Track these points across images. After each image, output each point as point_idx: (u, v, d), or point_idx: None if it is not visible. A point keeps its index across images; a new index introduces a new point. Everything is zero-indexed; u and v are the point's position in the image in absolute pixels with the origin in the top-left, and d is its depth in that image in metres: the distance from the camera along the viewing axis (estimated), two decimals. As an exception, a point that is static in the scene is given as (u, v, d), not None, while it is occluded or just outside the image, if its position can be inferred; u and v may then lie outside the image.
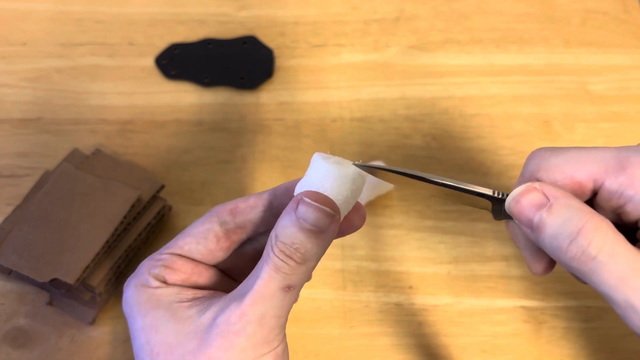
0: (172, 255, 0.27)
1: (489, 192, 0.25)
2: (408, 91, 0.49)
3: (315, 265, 0.25)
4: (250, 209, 0.27)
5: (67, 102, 0.48)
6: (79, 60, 0.51)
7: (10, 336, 0.39)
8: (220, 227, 0.27)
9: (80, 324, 0.39)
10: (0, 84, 0.49)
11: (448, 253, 0.42)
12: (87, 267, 0.37)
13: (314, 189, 0.24)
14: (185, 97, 0.49)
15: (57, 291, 0.39)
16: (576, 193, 0.24)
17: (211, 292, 0.27)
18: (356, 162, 0.26)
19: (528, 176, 0.25)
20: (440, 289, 0.41)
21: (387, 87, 0.49)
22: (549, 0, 0.54)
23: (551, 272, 0.26)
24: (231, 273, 0.30)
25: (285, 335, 0.25)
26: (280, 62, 0.50)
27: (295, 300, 0.25)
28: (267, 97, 0.49)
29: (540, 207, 0.22)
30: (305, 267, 0.24)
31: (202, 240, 0.27)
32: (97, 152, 0.43)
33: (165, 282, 0.27)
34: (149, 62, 0.50)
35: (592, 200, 0.25)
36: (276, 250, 0.24)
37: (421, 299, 0.40)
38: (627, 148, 0.23)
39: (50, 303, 0.40)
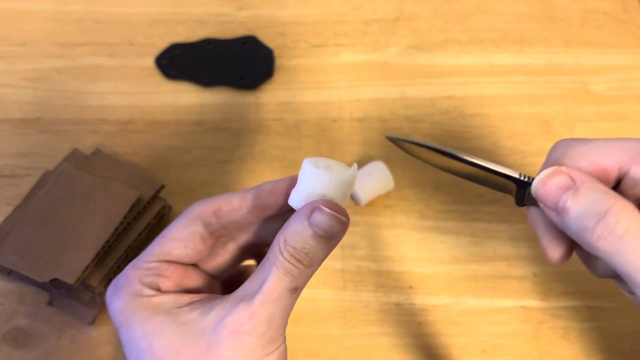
0: (163, 263, 0.27)
1: (515, 174, 0.25)
2: (408, 91, 0.49)
3: (318, 268, 0.26)
4: (234, 211, 0.27)
5: (67, 102, 0.48)
6: (79, 60, 0.51)
7: (10, 336, 0.39)
8: (205, 229, 0.27)
9: (81, 324, 0.39)
10: (0, 84, 0.49)
11: (448, 253, 0.42)
12: (87, 267, 0.37)
13: (309, 195, 0.25)
14: (185, 97, 0.49)
15: (57, 291, 0.39)
16: (600, 180, 0.24)
17: (206, 295, 0.27)
18: (391, 136, 0.27)
19: (552, 163, 0.25)
20: (440, 289, 0.41)
21: (387, 87, 0.49)
22: (549, 0, 0.54)
23: (567, 260, 0.26)
24: (209, 269, 0.30)
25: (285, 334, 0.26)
26: (280, 62, 0.50)
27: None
28: (267, 97, 0.49)
29: (566, 189, 0.23)
30: (311, 270, 0.25)
31: (189, 244, 0.27)
32: (97, 152, 0.43)
33: (159, 289, 0.27)
34: (149, 62, 0.50)
35: (615, 188, 0.25)
36: (286, 254, 0.24)
37: (421, 299, 0.40)
38: None
39: (50, 303, 0.40)
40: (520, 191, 0.26)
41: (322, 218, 0.24)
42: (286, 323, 0.26)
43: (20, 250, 0.37)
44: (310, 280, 0.41)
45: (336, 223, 0.25)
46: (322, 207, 0.25)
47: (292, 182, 0.27)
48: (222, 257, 0.30)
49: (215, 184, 0.45)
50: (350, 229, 0.42)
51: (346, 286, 0.41)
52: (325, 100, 0.48)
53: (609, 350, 0.39)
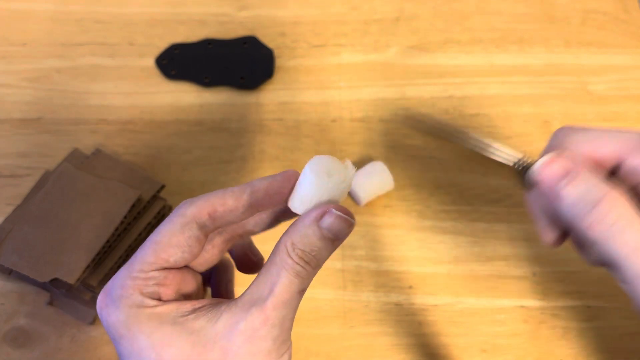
0: (162, 271, 0.27)
1: (517, 157, 0.27)
2: (408, 91, 0.49)
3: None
4: (229, 212, 0.27)
5: (68, 102, 0.48)
6: (79, 61, 0.51)
7: (10, 336, 0.39)
8: (200, 231, 0.27)
9: (81, 323, 0.39)
10: (1, 84, 0.49)
11: (448, 253, 0.42)
12: (88, 267, 0.37)
13: (312, 200, 0.26)
14: (186, 97, 0.49)
15: (57, 291, 0.39)
16: (597, 167, 0.25)
17: (207, 300, 0.27)
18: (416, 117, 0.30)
19: (553, 149, 0.26)
20: (440, 288, 0.41)
21: (387, 87, 0.49)
22: (549, 1, 0.54)
23: (560, 245, 0.27)
24: (197, 266, 0.30)
25: None
26: (280, 62, 0.50)
27: None
28: (267, 97, 0.49)
29: (564, 176, 0.24)
30: (317, 271, 0.26)
31: (186, 248, 0.27)
32: (98, 152, 0.43)
33: (160, 299, 0.26)
34: (149, 62, 0.51)
35: (611, 177, 0.26)
36: (295, 257, 0.25)
37: (421, 299, 0.40)
38: None
39: (50, 303, 0.40)
40: (522, 175, 0.27)
41: (333, 221, 0.25)
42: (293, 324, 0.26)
43: (21, 250, 0.37)
44: (310, 280, 0.41)
45: (345, 225, 0.26)
46: (335, 211, 0.25)
47: (287, 180, 0.27)
48: (210, 252, 0.30)
49: (215, 184, 0.45)
50: (350, 229, 0.43)
51: (346, 286, 0.41)
52: (325, 100, 0.49)
53: (608, 350, 0.39)
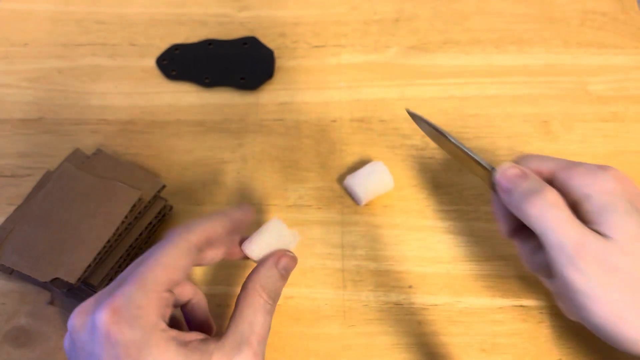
0: (169, 293, 0.29)
1: (486, 165, 0.35)
2: (407, 92, 0.49)
3: None
4: (218, 236, 0.32)
5: (68, 102, 0.49)
6: (80, 61, 0.51)
7: (11, 336, 0.39)
8: (197, 254, 0.31)
9: (82, 323, 0.39)
10: (2, 84, 0.49)
11: (447, 253, 0.42)
12: (89, 266, 0.37)
13: (266, 247, 0.34)
14: (186, 97, 0.49)
15: (58, 291, 0.39)
16: (540, 176, 0.34)
17: (197, 336, 0.29)
18: (409, 111, 0.38)
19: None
20: (439, 288, 0.41)
21: (386, 88, 0.49)
22: (548, 1, 0.54)
23: (512, 238, 0.35)
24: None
25: None
26: (280, 62, 0.51)
27: None
28: (268, 97, 0.49)
29: (517, 176, 0.33)
30: (276, 305, 0.32)
31: (187, 270, 0.30)
32: (98, 152, 0.43)
33: (165, 321, 0.28)
34: (150, 62, 0.51)
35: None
36: (266, 297, 0.31)
37: (420, 299, 0.40)
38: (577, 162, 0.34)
39: (51, 303, 0.40)
40: (491, 178, 0.35)
41: (287, 262, 0.33)
42: None
43: (22, 250, 0.37)
44: (310, 279, 0.42)
45: (294, 262, 0.34)
46: (289, 253, 0.34)
47: (249, 212, 0.34)
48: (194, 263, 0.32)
49: (215, 184, 0.45)
50: (350, 228, 0.43)
51: (346, 285, 0.41)
52: (325, 100, 0.49)
53: (607, 349, 0.39)
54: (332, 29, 0.53)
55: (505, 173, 0.33)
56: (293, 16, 0.53)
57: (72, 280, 0.36)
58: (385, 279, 0.41)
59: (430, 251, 0.42)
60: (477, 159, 0.35)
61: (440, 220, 0.43)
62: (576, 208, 0.32)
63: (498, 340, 0.39)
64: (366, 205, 0.44)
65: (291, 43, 0.52)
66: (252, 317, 0.30)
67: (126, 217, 0.39)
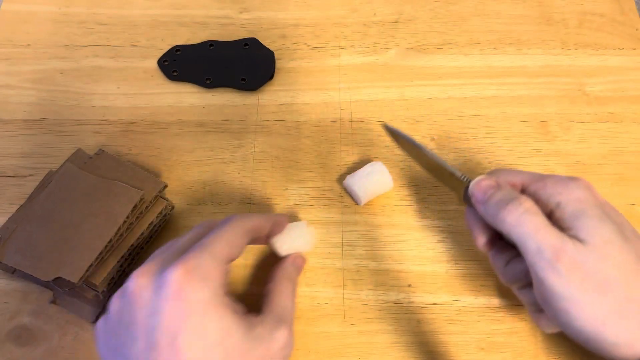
0: (229, 266, 0.33)
1: (459, 175, 0.36)
2: (407, 92, 0.49)
3: None
4: (263, 230, 0.37)
5: (71, 103, 0.49)
6: (82, 62, 0.51)
7: (14, 334, 0.39)
8: (250, 240, 0.36)
9: (83, 322, 0.39)
10: (4, 85, 0.50)
11: (446, 252, 0.42)
12: (91, 266, 0.37)
13: (292, 247, 0.40)
14: (187, 98, 0.49)
15: (60, 290, 0.39)
16: (513, 187, 0.36)
17: (243, 308, 0.33)
18: (386, 125, 0.40)
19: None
20: (438, 287, 0.41)
21: (386, 89, 0.50)
22: (546, 3, 0.55)
23: (488, 250, 0.36)
24: None
25: None
26: (280, 63, 0.51)
27: None
28: (268, 98, 0.49)
29: (492, 188, 0.34)
30: None
31: (242, 250, 0.34)
32: (100, 153, 0.43)
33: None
34: (152, 63, 0.51)
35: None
36: (292, 286, 0.38)
37: (420, 297, 0.41)
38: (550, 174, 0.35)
39: (53, 301, 0.40)
40: (464, 190, 0.36)
41: (301, 262, 0.40)
42: None
43: (24, 250, 0.38)
44: (310, 278, 0.42)
45: (304, 263, 0.41)
46: (302, 255, 0.41)
47: (284, 222, 0.39)
48: None
49: (217, 184, 0.45)
50: (350, 228, 0.43)
51: (346, 284, 0.41)
52: (325, 101, 0.49)
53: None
54: (332, 31, 0.53)
55: (480, 184, 0.34)
56: (293, 18, 0.54)
57: (74, 279, 0.36)
58: (384, 278, 0.41)
59: (429, 250, 0.42)
60: (452, 170, 0.36)
61: (439, 219, 0.44)
62: (549, 217, 0.33)
63: (496, 339, 0.39)
64: (366, 205, 0.44)
65: (291, 44, 0.52)
66: (285, 301, 0.36)
67: (128, 216, 0.39)
